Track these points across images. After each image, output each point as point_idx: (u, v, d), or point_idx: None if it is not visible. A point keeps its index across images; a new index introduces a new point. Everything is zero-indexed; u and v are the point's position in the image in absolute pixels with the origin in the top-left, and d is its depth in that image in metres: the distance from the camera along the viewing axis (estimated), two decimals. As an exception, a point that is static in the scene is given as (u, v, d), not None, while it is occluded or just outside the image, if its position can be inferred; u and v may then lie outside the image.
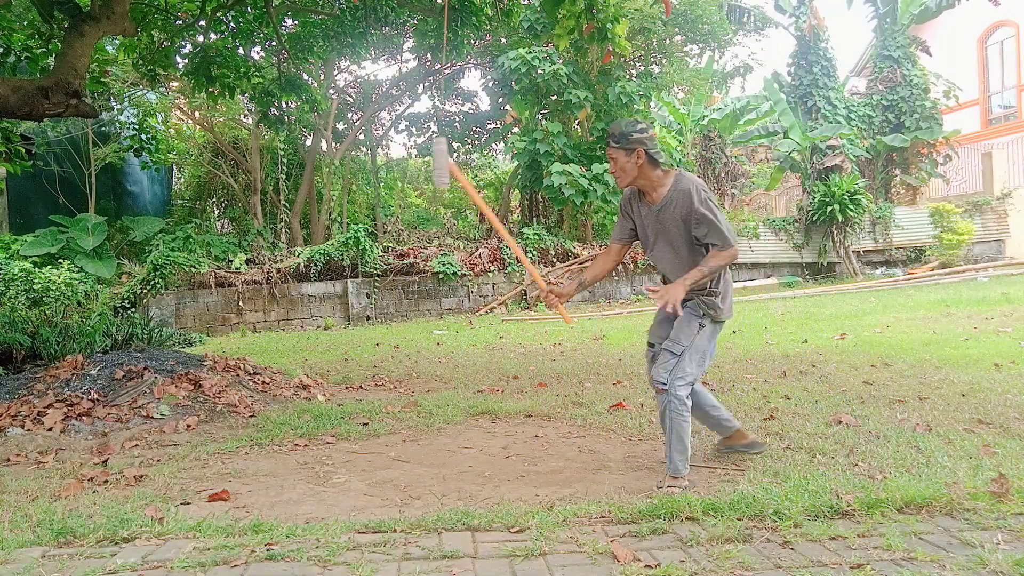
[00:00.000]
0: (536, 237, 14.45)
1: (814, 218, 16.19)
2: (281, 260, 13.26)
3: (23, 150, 8.25)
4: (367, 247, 13.12)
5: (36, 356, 6.14)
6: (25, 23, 6.94)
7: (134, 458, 3.82)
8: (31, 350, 6.18)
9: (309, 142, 16.96)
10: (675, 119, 17.50)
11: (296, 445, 4.08)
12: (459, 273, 13.58)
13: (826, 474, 3.06)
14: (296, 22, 9.54)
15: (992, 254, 16.83)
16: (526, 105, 14.71)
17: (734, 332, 8.55)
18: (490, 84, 17.11)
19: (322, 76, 16.14)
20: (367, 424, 4.52)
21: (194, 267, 12.26)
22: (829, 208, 15.75)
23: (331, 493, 3.19)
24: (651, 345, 3.40)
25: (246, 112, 15.93)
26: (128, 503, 2.97)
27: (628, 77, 14.70)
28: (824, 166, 16.34)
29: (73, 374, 5.06)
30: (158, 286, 11.95)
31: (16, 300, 10.44)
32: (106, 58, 8.06)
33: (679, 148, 16.32)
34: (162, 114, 15.01)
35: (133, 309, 11.48)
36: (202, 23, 7.51)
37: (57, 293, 10.83)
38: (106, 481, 3.38)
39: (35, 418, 4.35)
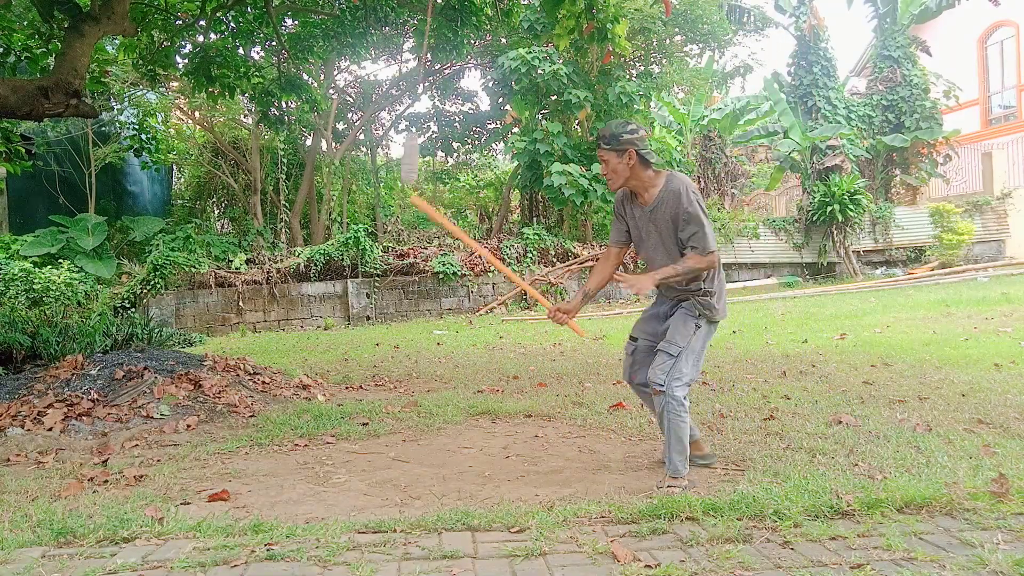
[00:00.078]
0: (536, 237, 14.45)
1: (814, 218, 16.19)
2: (281, 260, 13.26)
3: (23, 150, 8.25)
4: (367, 247, 13.12)
5: (36, 356, 6.14)
6: (25, 23, 6.94)
7: (134, 458, 3.82)
8: (31, 350, 6.18)
9: (309, 142, 16.96)
10: (675, 119, 17.50)
11: (296, 445, 4.08)
12: (459, 273, 13.58)
13: (826, 474, 3.06)
14: (296, 22, 9.54)
15: (992, 254, 16.83)
16: (526, 105, 14.71)
17: (734, 332, 8.55)
18: (490, 84, 17.11)
19: (322, 76, 16.14)
20: (367, 424, 4.52)
21: (194, 267, 12.26)
22: (829, 208, 15.75)
23: (331, 493, 3.19)
24: (633, 339, 3.39)
25: (246, 112, 15.93)
26: (128, 503, 2.97)
27: (628, 77, 14.69)
28: (824, 166, 16.35)
29: (73, 374, 5.06)
30: (158, 286, 11.95)
31: (16, 300, 10.44)
32: (106, 58, 8.06)
33: (679, 148, 16.32)
34: (162, 114, 15.01)
35: (133, 309, 11.48)
36: (202, 23, 7.51)
37: (57, 293, 10.83)
38: (106, 481, 3.38)
39: (35, 418, 4.35)
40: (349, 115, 18.34)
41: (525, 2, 11.60)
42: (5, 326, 6.60)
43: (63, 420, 4.32)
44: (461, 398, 5.21)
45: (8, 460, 3.83)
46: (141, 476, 3.44)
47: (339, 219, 17.02)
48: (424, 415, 4.72)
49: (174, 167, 17.61)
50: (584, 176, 13.29)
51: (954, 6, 17.88)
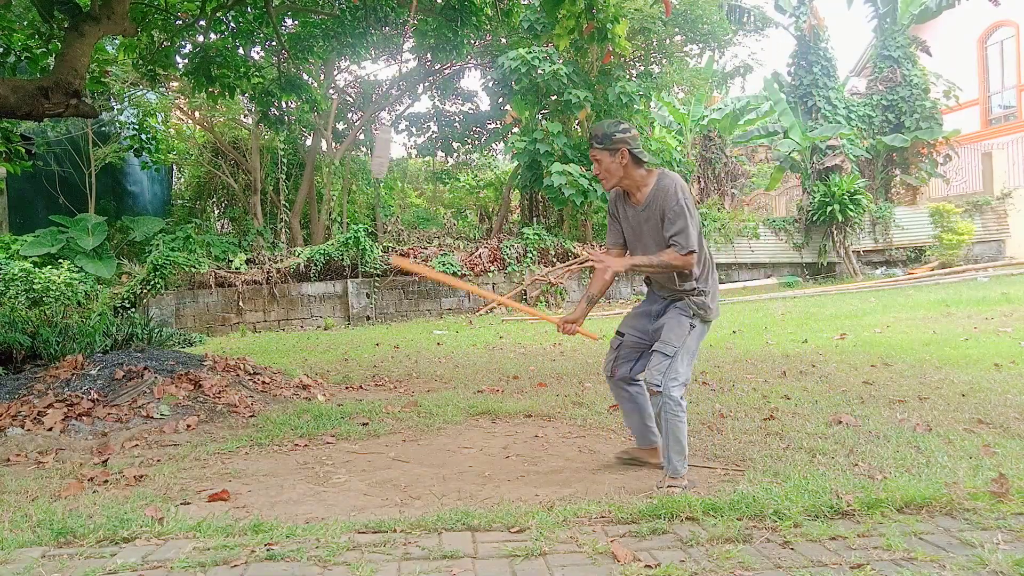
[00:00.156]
0: (536, 237, 14.45)
1: (814, 218, 16.19)
2: (281, 260, 13.26)
3: (23, 150, 8.25)
4: (367, 247, 13.12)
5: (36, 356, 6.14)
6: (25, 23, 6.94)
7: (134, 458, 3.82)
8: (31, 350, 6.17)
9: (309, 142, 16.95)
10: (675, 119, 17.50)
11: (296, 445, 4.08)
12: (459, 273, 13.57)
13: (826, 474, 3.06)
14: (296, 22, 9.53)
15: (992, 254, 16.83)
16: (526, 105, 14.71)
17: (734, 332, 8.55)
18: (490, 84, 17.10)
19: (322, 76, 16.14)
20: (367, 424, 4.52)
21: (194, 267, 12.26)
22: (829, 208, 15.75)
23: (331, 493, 3.19)
24: (620, 334, 3.38)
25: (246, 112, 15.92)
26: (128, 503, 2.97)
27: (628, 77, 14.69)
28: (824, 166, 16.35)
29: (73, 374, 5.06)
30: (158, 286, 11.95)
31: (16, 300, 10.44)
32: (106, 58, 8.06)
33: (679, 148, 16.32)
34: (162, 114, 15.00)
35: (133, 309, 11.48)
36: (202, 23, 7.51)
37: (57, 293, 10.83)
38: (106, 481, 3.38)
39: (35, 418, 4.35)
40: (349, 115, 18.34)
41: (525, 2, 11.59)
42: (5, 326, 6.60)
43: (63, 420, 4.32)
44: (461, 398, 5.21)
45: (8, 460, 3.83)
46: (141, 476, 3.44)
47: (339, 219, 17.02)
48: (424, 415, 4.72)
49: (174, 167, 17.61)
50: (584, 176, 13.29)
51: (954, 6, 17.88)
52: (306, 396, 5.46)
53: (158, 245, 12.83)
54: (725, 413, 4.39)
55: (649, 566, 2.25)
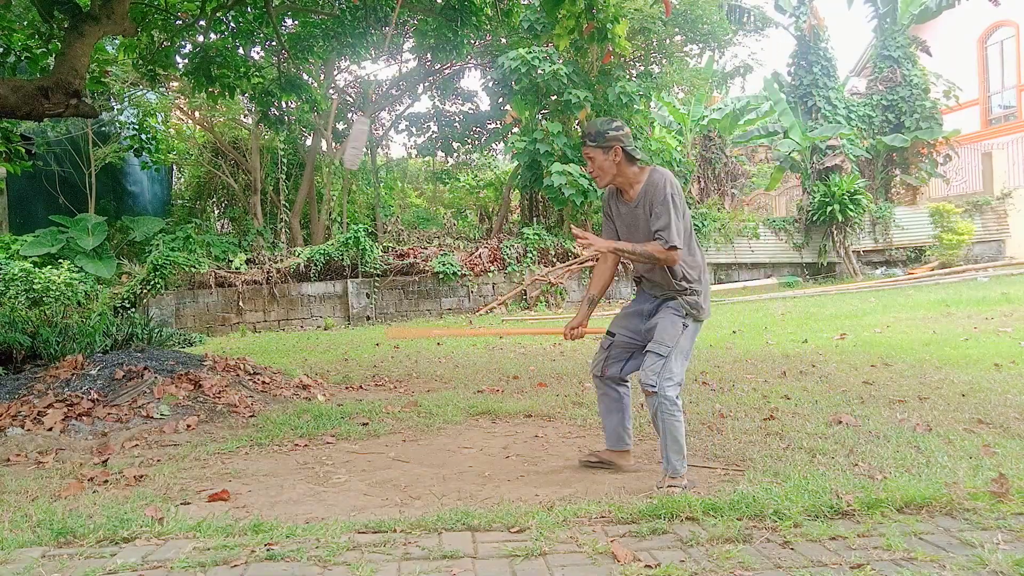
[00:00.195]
0: (536, 237, 14.45)
1: (814, 218, 16.19)
2: (281, 260, 13.26)
3: (23, 150, 8.25)
4: (367, 247, 13.12)
5: (36, 356, 6.14)
6: (25, 23, 6.93)
7: (134, 458, 3.82)
8: (31, 350, 6.17)
9: (309, 142, 16.95)
10: (675, 119, 17.50)
11: (296, 445, 4.08)
12: (459, 273, 13.58)
13: (826, 474, 3.06)
14: (296, 22, 9.53)
15: (992, 254, 16.83)
16: (526, 105, 14.71)
17: (734, 332, 8.55)
18: (490, 84, 17.10)
19: (322, 76, 16.13)
20: (367, 424, 4.52)
21: (194, 267, 12.26)
22: (829, 208, 15.75)
23: (331, 493, 3.19)
24: (611, 334, 3.39)
25: (246, 112, 15.92)
26: (128, 503, 2.97)
27: (628, 77, 14.69)
28: (824, 166, 16.35)
29: (73, 374, 5.06)
30: (158, 286, 11.95)
31: (16, 300, 10.44)
32: (106, 58, 8.05)
33: (679, 148, 16.31)
34: (162, 114, 15.00)
35: (133, 309, 11.48)
36: (202, 23, 7.50)
37: (57, 293, 10.83)
38: (106, 481, 3.38)
39: (35, 418, 4.35)
40: (349, 115, 18.34)
41: (525, 2, 11.58)
42: (5, 326, 6.60)
43: (63, 420, 4.32)
44: (461, 398, 5.21)
45: (8, 460, 3.83)
46: (141, 476, 3.44)
47: (339, 219, 17.02)
48: (424, 415, 4.72)
49: (174, 167, 17.60)
50: (584, 176, 13.29)
51: (954, 6, 17.88)
52: (306, 396, 5.46)
53: (158, 245, 12.83)
54: (725, 413, 4.39)
55: (649, 566, 2.25)
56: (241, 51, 8.40)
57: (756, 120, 18.15)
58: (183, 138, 16.56)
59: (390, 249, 13.93)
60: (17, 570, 2.30)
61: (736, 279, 16.17)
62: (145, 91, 13.87)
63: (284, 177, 16.44)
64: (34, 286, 10.77)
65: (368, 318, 13.15)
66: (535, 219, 16.19)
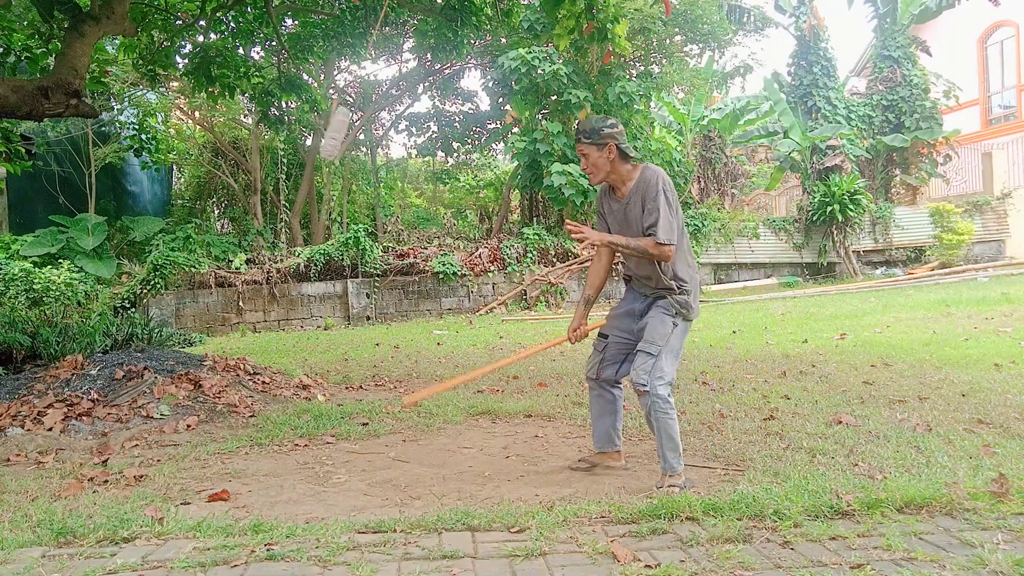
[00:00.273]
0: (536, 237, 14.45)
1: (814, 218, 16.19)
2: (281, 260, 13.26)
3: (23, 150, 8.24)
4: (367, 247, 13.12)
5: (36, 356, 6.14)
6: (25, 23, 6.93)
7: (134, 458, 3.82)
8: (31, 350, 6.17)
9: (309, 142, 16.95)
10: (675, 119, 17.49)
11: (296, 445, 4.08)
12: (459, 273, 13.58)
13: (826, 474, 3.06)
14: (296, 22, 9.54)
15: (992, 254, 16.83)
16: (526, 105, 14.71)
17: (734, 332, 8.55)
18: (490, 84, 17.10)
19: (322, 76, 16.13)
20: (367, 424, 4.52)
21: (194, 267, 12.26)
22: (829, 208, 15.75)
23: (331, 493, 3.19)
24: (604, 336, 3.40)
25: (246, 112, 15.92)
26: (128, 503, 2.97)
27: (628, 77, 14.69)
28: (824, 166, 16.35)
29: (73, 374, 5.06)
30: (158, 286, 11.95)
31: (16, 300, 10.44)
32: (106, 58, 8.05)
33: (679, 148, 16.31)
34: (162, 114, 15.00)
35: (133, 309, 11.48)
36: (202, 23, 7.50)
37: (57, 293, 10.83)
38: (106, 481, 3.38)
39: (35, 418, 4.35)
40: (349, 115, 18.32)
41: (525, 2, 11.58)
42: (5, 326, 6.60)
43: (63, 420, 4.32)
44: (461, 398, 5.21)
45: (8, 460, 3.83)
46: (141, 476, 3.44)
47: (339, 219, 17.02)
48: (424, 415, 4.72)
49: (174, 167, 17.61)
50: (584, 176, 13.27)
51: (954, 6, 17.89)
52: (306, 396, 5.46)
53: (158, 245, 12.83)
54: (725, 413, 4.39)
55: (649, 566, 2.25)
56: (241, 51, 8.40)
57: (756, 120, 18.15)
58: (183, 138, 16.56)
59: (390, 249, 13.93)
60: (17, 570, 2.30)
61: (736, 279, 16.17)
62: (145, 91, 13.87)
63: (284, 177, 16.44)
64: (34, 286, 10.77)
65: (368, 318, 13.15)
66: (535, 219, 16.19)
